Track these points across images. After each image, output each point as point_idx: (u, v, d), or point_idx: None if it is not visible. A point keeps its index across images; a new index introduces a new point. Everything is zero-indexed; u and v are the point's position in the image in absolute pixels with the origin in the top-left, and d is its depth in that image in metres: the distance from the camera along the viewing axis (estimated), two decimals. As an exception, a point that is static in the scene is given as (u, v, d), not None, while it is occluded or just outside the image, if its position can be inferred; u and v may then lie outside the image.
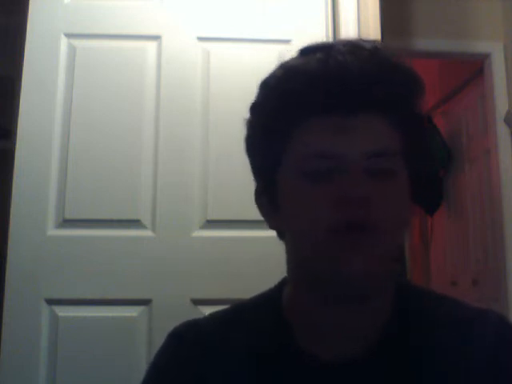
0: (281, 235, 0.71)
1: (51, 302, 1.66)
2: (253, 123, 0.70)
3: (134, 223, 1.73)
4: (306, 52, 0.70)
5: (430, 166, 0.64)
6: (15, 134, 1.75)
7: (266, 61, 1.85)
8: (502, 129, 2.99)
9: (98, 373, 1.61)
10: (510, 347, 0.68)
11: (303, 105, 0.64)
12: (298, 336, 0.68)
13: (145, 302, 1.68)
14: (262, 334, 0.70)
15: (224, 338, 0.72)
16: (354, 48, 0.66)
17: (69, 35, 1.83)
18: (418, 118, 0.68)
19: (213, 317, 0.78)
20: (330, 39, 1.89)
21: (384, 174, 0.63)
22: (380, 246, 0.62)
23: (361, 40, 0.68)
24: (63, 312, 1.66)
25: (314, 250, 0.63)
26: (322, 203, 0.62)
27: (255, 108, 0.71)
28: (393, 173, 0.64)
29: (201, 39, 1.86)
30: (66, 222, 1.72)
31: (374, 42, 0.68)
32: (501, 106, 2.99)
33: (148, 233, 1.73)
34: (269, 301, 0.73)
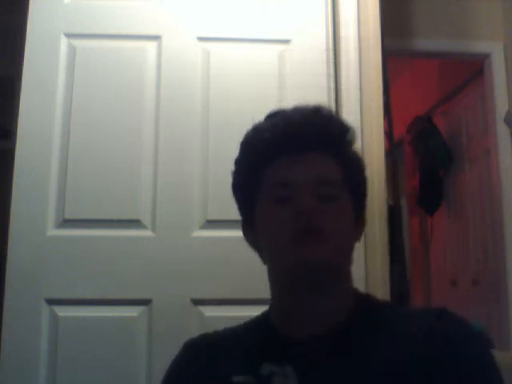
0: (263, 258, 0.94)
1: (51, 301, 1.66)
2: (236, 172, 0.96)
3: (134, 223, 1.73)
4: (270, 116, 0.94)
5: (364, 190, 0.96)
6: (15, 134, 1.75)
7: (265, 61, 1.86)
8: (502, 129, 2.98)
9: (97, 373, 1.61)
10: (456, 346, 0.81)
11: (269, 152, 0.89)
12: (280, 329, 0.90)
13: (145, 302, 1.68)
14: (255, 333, 0.94)
15: (227, 343, 0.94)
16: (302, 110, 0.91)
17: (69, 35, 1.83)
18: (353, 155, 0.93)
19: (221, 329, 0.98)
20: (330, 39, 1.89)
21: (327, 198, 0.86)
22: (326, 246, 0.83)
23: (307, 105, 0.92)
24: (63, 312, 1.66)
25: (283, 250, 0.86)
26: (285, 218, 0.85)
27: (237, 161, 0.96)
28: (334, 198, 0.87)
29: (201, 39, 1.86)
30: (66, 222, 1.72)
31: (317, 105, 0.92)
32: (501, 106, 2.98)
33: (148, 233, 1.73)
34: (263, 312, 0.97)
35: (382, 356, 0.81)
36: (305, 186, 0.85)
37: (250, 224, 0.93)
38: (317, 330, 0.85)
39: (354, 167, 0.92)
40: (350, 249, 0.90)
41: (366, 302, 0.92)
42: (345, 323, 0.86)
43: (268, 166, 0.89)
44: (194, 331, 1.55)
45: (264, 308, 0.97)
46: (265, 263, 0.93)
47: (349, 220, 0.89)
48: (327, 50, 1.88)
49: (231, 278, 1.69)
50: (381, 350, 0.82)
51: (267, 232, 0.89)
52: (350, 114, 1.85)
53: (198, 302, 1.68)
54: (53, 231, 1.71)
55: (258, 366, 0.85)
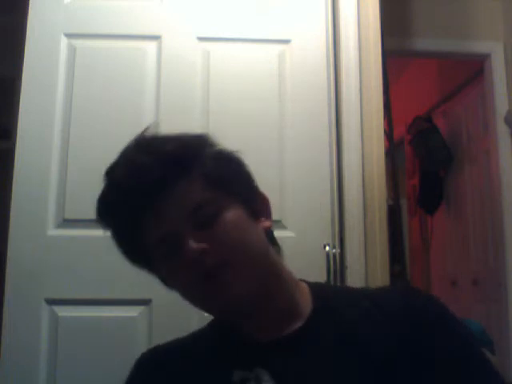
0: None
1: (51, 301, 1.66)
2: (116, 245, 0.88)
3: (134, 223, 1.72)
4: (106, 179, 0.86)
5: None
6: (15, 134, 1.75)
7: (265, 61, 1.86)
8: (502, 129, 2.99)
9: (97, 373, 1.61)
10: (430, 324, 0.79)
11: (130, 220, 0.81)
12: (243, 334, 0.84)
13: (145, 302, 1.68)
14: (217, 340, 0.88)
15: (180, 353, 0.88)
16: (133, 156, 0.84)
17: (69, 35, 1.83)
18: (213, 160, 0.84)
19: (172, 340, 0.92)
20: (330, 39, 1.89)
21: (209, 221, 0.79)
22: (242, 271, 0.78)
23: (139, 141, 0.87)
24: (63, 312, 1.66)
25: (203, 306, 0.83)
26: (180, 271, 0.79)
27: (110, 235, 0.87)
28: (217, 214, 0.79)
29: (201, 39, 1.86)
30: (66, 222, 1.72)
31: (145, 137, 0.87)
32: (501, 106, 2.99)
33: (148, 233, 1.72)
34: (215, 320, 0.91)
35: (352, 343, 0.79)
36: (182, 233, 0.78)
37: (157, 275, 0.87)
38: (279, 334, 0.82)
39: (221, 170, 0.84)
40: (260, 252, 0.81)
41: (320, 291, 0.88)
42: (307, 319, 0.83)
43: (138, 229, 0.81)
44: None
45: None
46: None
47: (242, 226, 0.81)
48: (327, 49, 1.88)
49: (231, 278, 1.69)
50: (349, 339, 0.80)
51: (182, 293, 0.83)
52: (350, 114, 1.85)
53: (198, 302, 1.68)
54: (53, 231, 1.71)
55: (228, 373, 0.81)
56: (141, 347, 1.65)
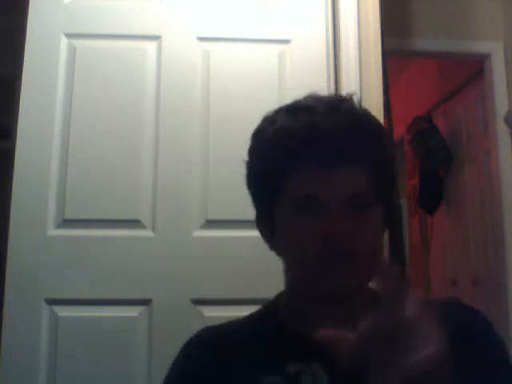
0: (279, 254, 0.86)
1: (51, 301, 1.66)
2: (251, 166, 0.86)
3: (134, 223, 1.73)
4: (291, 111, 0.82)
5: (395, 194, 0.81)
6: (15, 134, 1.75)
7: (265, 61, 1.87)
8: (502, 129, 2.99)
9: (98, 373, 1.61)
10: (467, 333, 0.78)
11: (292, 159, 0.79)
12: (299, 329, 0.82)
13: (145, 302, 1.68)
14: (268, 331, 0.86)
15: (233, 338, 0.87)
16: (332, 109, 0.80)
17: (69, 35, 1.83)
18: (385, 160, 0.84)
19: (224, 323, 0.92)
20: (330, 39, 1.89)
21: (361, 209, 0.79)
22: (360, 268, 0.78)
23: (338, 98, 0.83)
24: (63, 312, 1.66)
25: (304, 275, 0.81)
26: (313, 238, 0.77)
27: (252, 154, 0.86)
28: (368, 207, 0.80)
29: (201, 39, 1.86)
30: (66, 222, 1.72)
31: (348, 100, 0.82)
32: (501, 106, 2.99)
33: (148, 233, 1.73)
34: (267, 309, 0.91)
35: None
36: (335, 203, 0.77)
37: (267, 223, 0.86)
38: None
39: (386, 174, 0.85)
40: (377, 259, 0.82)
41: (376, 293, 0.87)
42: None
43: (292, 170, 0.80)
44: (194, 331, 1.56)
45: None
46: (278, 255, 0.86)
47: (379, 230, 0.83)
48: (327, 50, 1.88)
49: (231, 278, 1.69)
50: None
51: (286, 249, 0.83)
52: (350, 114, 1.85)
53: (198, 302, 1.68)
54: (53, 231, 1.71)
55: (282, 365, 0.80)
56: (141, 347, 1.66)
